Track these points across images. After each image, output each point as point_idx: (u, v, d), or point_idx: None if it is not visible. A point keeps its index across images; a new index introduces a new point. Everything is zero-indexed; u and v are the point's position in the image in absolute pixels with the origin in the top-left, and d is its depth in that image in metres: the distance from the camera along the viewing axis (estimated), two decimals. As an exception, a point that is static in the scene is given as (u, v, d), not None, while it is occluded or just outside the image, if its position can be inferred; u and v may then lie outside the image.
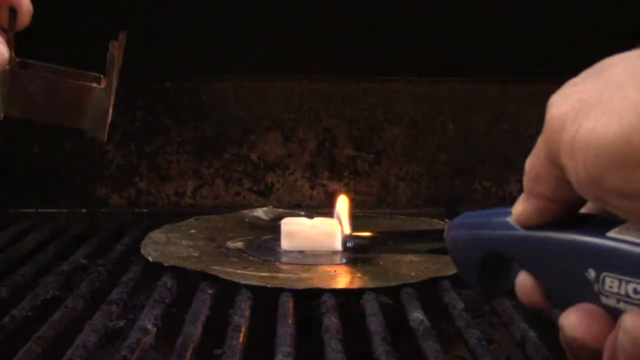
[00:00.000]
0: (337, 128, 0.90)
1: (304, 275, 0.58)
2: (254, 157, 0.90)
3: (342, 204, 0.67)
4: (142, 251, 0.62)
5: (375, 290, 0.54)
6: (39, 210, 0.85)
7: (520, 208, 0.33)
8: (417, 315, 0.50)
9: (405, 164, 0.90)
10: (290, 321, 0.49)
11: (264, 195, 0.90)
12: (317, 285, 0.54)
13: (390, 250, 0.58)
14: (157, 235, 0.68)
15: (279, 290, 0.54)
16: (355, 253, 0.59)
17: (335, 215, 0.66)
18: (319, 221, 0.66)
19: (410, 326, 0.49)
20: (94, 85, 0.49)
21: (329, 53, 0.88)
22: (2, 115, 0.48)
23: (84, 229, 0.79)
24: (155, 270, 0.59)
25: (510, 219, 0.33)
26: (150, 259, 0.60)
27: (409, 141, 0.89)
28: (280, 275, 0.57)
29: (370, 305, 0.52)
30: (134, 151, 0.89)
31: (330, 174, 0.90)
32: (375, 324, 0.48)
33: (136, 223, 0.81)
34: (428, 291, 0.56)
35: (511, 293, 0.35)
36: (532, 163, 0.31)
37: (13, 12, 0.44)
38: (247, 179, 0.90)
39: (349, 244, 0.58)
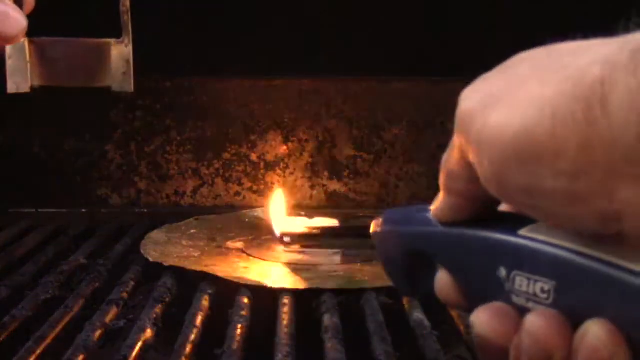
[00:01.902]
0: (337, 128, 0.90)
1: (304, 275, 0.58)
2: (254, 157, 0.90)
3: (277, 200, 0.68)
4: (142, 251, 0.62)
5: (375, 290, 0.54)
6: (39, 210, 0.85)
7: (436, 205, 0.33)
8: (417, 315, 0.50)
9: (405, 164, 0.90)
10: (290, 321, 0.49)
11: (264, 195, 0.90)
12: (317, 285, 0.54)
13: (322, 245, 0.61)
14: (157, 235, 0.68)
15: (279, 290, 0.54)
16: (292, 246, 0.62)
17: (269, 213, 0.67)
18: (319, 221, 0.66)
19: (410, 326, 0.49)
20: (112, 40, 0.50)
21: (329, 53, 0.88)
22: (28, 86, 0.49)
23: (84, 229, 0.79)
24: (155, 270, 0.59)
25: (430, 215, 0.33)
26: (150, 259, 0.60)
27: (409, 141, 0.89)
28: (280, 275, 0.58)
29: (370, 305, 0.52)
30: (134, 151, 0.89)
31: (330, 174, 0.90)
32: (375, 324, 0.48)
33: (136, 223, 0.81)
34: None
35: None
36: (447, 159, 0.31)
37: None
38: (247, 179, 0.90)
39: (285, 239, 0.61)
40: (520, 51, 0.30)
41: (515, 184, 0.27)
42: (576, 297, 0.28)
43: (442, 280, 0.33)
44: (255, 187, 0.90)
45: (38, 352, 0.44)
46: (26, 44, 0.49)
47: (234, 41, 0.88)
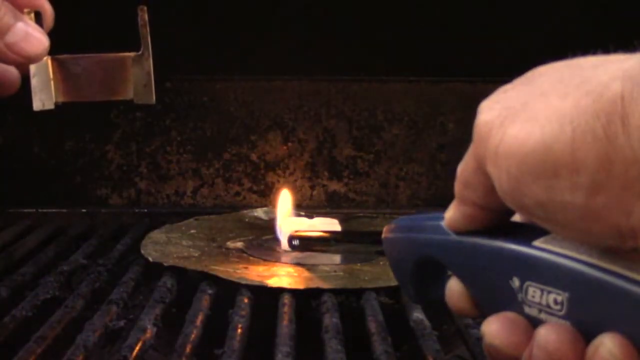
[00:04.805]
0: (337, 128, 0.90)
1: (304, 275, 0.58)
2: (254, 157, 0.90)
3: (285, 201, 0.67)
4: (142, 251, 0.62)
5: (375, 290, 0.54)
6: (39, 210, 0.85)
7: (450, 213, 0.33)
8: (417, 315, 0.50)
9: (405, 164, 0.90)
10: (290, 321, 0.49)
11: (264, 195, 0.90)
12: (317, 285, 0.54)
13: (333, 250, 0.60)
14: (157, 235, 0.68)
15: (279, 290, 0.54)
16: (300, 251, 0.60)
17: (277, 214, 0.67)
18: (319, 221, 0.66)
19: (410, 326, 0.49)
20: (132, 54, 0.51)
21: (329, 53, 0.88)
22: (53, 103, 0.50)
23: (84, 229, 0.79)
24: (155, 270, 0.59)
25: (443, 224, 0.33)
26: (150, 259, 0.60)
27: (409, 141, 0.89)
28: (280, 275, 0.58)
29: (370, 305, 0.51)
30: (134, 151, 0.89)
31: (330, 174, 0.90)
32: (375, 324, 0.48)
33: (136, 223, 0.81)
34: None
35: (443, 299, 0.35)
36: (463, 169, 0.31)
37: (38, 15, 0.46)
38: (247, 179, 0.90)
39: (294, 243, 0.59)
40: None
41: (532, 197, 0.27)
42: (589, 310, 0.28)
43: (453, 288, 0.33)
44: (255, 187, 0.90)
45: (38, 352, 0.44)
46: (49, 61, 0.49)
47: (234, 41, 0.88)
